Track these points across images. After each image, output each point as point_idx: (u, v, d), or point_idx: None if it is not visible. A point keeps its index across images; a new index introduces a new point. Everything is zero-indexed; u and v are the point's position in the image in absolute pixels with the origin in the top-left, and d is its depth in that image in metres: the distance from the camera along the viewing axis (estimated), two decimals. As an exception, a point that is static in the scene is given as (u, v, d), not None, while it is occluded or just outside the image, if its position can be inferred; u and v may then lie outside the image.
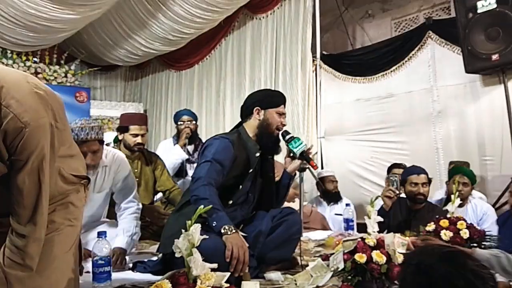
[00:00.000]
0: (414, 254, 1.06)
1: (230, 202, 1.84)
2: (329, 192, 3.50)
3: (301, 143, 1.96)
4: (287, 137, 1.96)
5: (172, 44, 4.98)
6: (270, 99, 1.99)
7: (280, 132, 1.96)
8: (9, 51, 4.55)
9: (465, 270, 0.83)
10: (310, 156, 1.97)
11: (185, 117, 3.33)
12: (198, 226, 1.07)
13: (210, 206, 1.23)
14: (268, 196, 2.00)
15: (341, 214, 3.07)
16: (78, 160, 1.26)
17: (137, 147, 2.70)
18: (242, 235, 1.63)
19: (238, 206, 1.90)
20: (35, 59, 4.97)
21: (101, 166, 2.08)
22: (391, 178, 2.90)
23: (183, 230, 1.10)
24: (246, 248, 1.56)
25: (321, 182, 3.48)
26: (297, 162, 1.99)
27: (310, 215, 3.06)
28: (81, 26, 4.49)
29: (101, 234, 1.52)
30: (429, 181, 2.65)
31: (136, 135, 2.67)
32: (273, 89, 2.15)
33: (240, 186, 1.87)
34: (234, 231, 1.56)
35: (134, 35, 4.84)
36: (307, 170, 2.06)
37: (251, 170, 1.89)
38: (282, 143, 2.01)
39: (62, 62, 5.20)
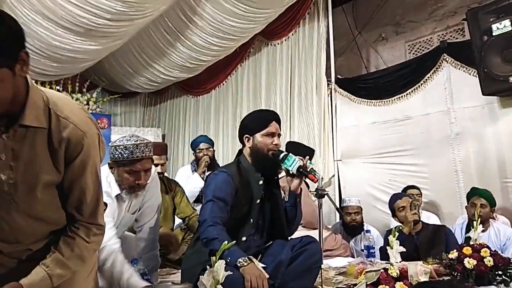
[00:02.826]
0: None
1: (244, 238, 1.84)
2: (347, 224, 3.36)
3: (294, 160, 1.91)
4: (280, 156, 1.91)
5: (190, 71, 5.11)
6: (255, 123, 1.97)
7: (272, 154, 1.91)
8: (33, 81, 4.75)
9: None
10: (308, 169, 1.91)
11: (202, 145, 3.39)
12: (222, 263, 1.09)
13: (227, 243, 1.25)
14: (278, 220, 1.98)
15: (363, 250, 2.93)
16: None
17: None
18: (261, 266, 1.64)
19: (251, 237, 1.91)
20: (58, 87, 5.15)
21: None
22: (415, 202, 2.86)
23: (208, 266, 1.12)
24: (264, 277, 1.57)
25: (343, 211, 3.36)
26: (297, 180, 1.96)
27: (335, 242, 3.02)
28: (102, 56, 4.66)
29: (134, 262, 1.57)
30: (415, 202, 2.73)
31: (156, 165, 2.73)
32: (263, 109, 2.11)
33: (251, 220, 1.87)
34: (249, 261, 1.58)
35: (154, 63, 4.99)
36: (326, 196, 2.06)
37: (258, 201, 1.89)
38: None
39: (84, 90, 5.39)
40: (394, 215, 2.77)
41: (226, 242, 1.24)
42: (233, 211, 1.83)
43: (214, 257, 1.11)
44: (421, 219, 2.80)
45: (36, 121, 1.05)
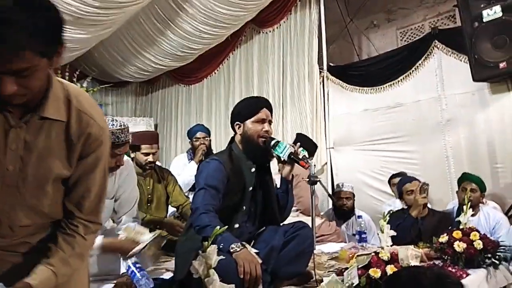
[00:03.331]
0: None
1: (236, 226, 1.85)
2: (339, 208, 3.47)
3: (286, 147, 1.91)
4: (272, 143, 1.92)
5: (181, 60, 5.07)
6: (245, 110, 1.96)
7: (263, 141, 1.91)
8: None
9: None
10: (300, 156, 1.91)
11: (199, 134, 3.38)
12: (214, 248, 1.10)
13: (219, 228, 1.25)
14: (271, 207, 1.99)
15: (354, 235, 3.00)
16: None
17: (148, 165, 2.74)
18: (254, 252, 1.65)
19: (244, 224, 1.91)
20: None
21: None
22: (424, 186, 2.85)
23: (200, 252, 1.13)
24: (257, 262, 1.59)
25: (335, 196, 3.46)
26: (288, 166, 1.96)
27: (329, 228, 3.06)
28: (92, 45, 4.60)
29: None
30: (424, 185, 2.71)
31: (147, 154, 2.71)
32: (253, 96, 2.09)
33: (244, 207, 1.87)
34: (242, 247, 1.60)
35: (144, 52, 4.94)
36: (318, 183, 2.07)
37: (250, 188, 1.89)
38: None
39: (74, 79, 5.31)
40: (401, 197, 2.76)
41: (218, 227, 1.25)
42: (225, 199, 1.83)
43: (206, 242, 1.11)
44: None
45: (57, 114, 1.02)
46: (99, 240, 1.78)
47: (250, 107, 1.97)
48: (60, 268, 1.06)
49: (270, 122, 1.97)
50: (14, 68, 0.87)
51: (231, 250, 1.56)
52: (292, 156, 1.89)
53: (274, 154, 1.92)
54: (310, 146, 3.20)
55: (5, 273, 1.08)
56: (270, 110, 1.99)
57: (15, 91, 0.90)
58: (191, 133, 3.46)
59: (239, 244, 1.60)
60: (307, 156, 2.73)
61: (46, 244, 1.11)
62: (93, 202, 1.13)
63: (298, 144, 1.99)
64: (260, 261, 1.60)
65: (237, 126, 1.96)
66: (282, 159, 1.91)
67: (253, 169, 1.94)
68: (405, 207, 2.72)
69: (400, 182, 2.87)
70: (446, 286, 0.88)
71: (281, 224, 2.01)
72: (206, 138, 3.38)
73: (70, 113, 1.04)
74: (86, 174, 1.10)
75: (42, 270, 1.04)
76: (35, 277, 1.02)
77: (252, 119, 1.92)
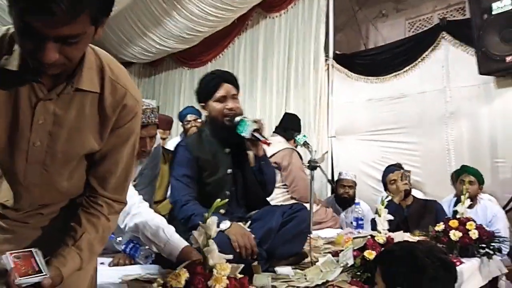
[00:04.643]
0: None
1: (222, 211, 1.78)
2: (340, 196, 3.49)
3: (247, 124, 1.77)
4: (234, 122, 1.79)
5: (186, 42, 5.04)
6: (204, 90, 1.85)
7: (228, 120, 1.79)
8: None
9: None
10: (262, 133, 1.79)
11: (189, 116, 3.38)
12: (215, 218, 1.11)
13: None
14: (253, 187, 1.89)
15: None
16: None
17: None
18: (247, 230, 1.66)
19: (229, 208, 1.82)
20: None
21: None
22: (405, 173, 2.90)
23: (200, 222, 1.14)
24: (249, 234, 1.60)
25: (337, 184, 3.48)
26: (254, 145, 1.82)
27: (326, 215, 3.09)
28: (97, 23, 4.58)
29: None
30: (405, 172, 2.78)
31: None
32: (213, 71, 2.00)
33: (226, 192, 1.80)
34: (230, 223, 1.60)
35: (149, 32, 4.92)
36: (318, 168, 2.08)
37: (229, 171, 1.82)
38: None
39: (78, 58, 5.31)
40: (386, 188, 2.82)
41: (205, 214, 1.21)
42: (203, 182, 1.78)
43: (207, 214, 1.12)
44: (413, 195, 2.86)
45: (91, 85, 0.94)
46: (178, 242, 1.51)
47: (208, 86, 1.84)
48: (86, 253, 1.00)
49: (234, 97, 1.83)
50: (65, 33, 0.77)
51: (222, 228, 1.55)
52: (254, 133, 1.77)
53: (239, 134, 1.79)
54: (296, 125, 3.22)
55: (19, 244, 1.01)
56: (233, 83, 1.85)
57: (57, 60, 0.81)
58: (181, 116, 3.46)
59: (227, 221, 1.60)
60: (308, 142, 2.74)
61: (62, 220, 1.05)
62: (119, 179, 1.05)
63: (261, 119, 1.86)
64: (253, 236, 1.62)
65: (203, 107, 1.86)
66: (247, 137, 1.78)
67: (227, 150, 1.84)
68: (390, 197, 2.75)
69: (384, 173, 2.90)
70: (438, 255, 0.90)
71: (268, 198, 1.99)
72: (198, 120, 3.37)
73: (104, 84, 0.96)
74: (116, 147, 1.03)
75: (72, 255, 0.97)
76: (64, 262, 0.95)
77: (213, 98, 1.80)
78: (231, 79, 1.86)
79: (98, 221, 1.03)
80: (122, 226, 1.59)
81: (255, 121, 1.78)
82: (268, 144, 1.80)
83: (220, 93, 1.80)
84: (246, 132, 1.76)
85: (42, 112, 0.92)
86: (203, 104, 1.86)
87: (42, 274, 0.88)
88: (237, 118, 1.78)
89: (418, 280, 1.02)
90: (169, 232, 1.53)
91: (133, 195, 1.60)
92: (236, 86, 1.87)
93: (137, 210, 1.58)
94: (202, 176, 1.81)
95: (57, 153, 0.97)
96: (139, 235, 1.58)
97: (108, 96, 0.97)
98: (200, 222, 1.11)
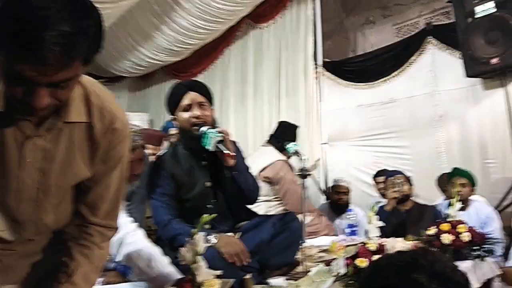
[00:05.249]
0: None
1: (207, 226, 1.73)
2: (334, 202, 3.50)
3: (210, 137, 1.69)
4: (199, 134, 1.72)
5: (177, 55, 5.07)
6: (170, 102, 1.79)
7: (196, 129, 1.72)
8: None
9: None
10: (227, 144, 1.71)
11: (172, 130, 3.38)
12: (201, 235, 1.12)
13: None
14: (233, 198, 1.84)
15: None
16: None
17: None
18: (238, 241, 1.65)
19: (214, 222, 1.69)
20: (43, 72, 5.07)
21: None
22: (395, 180, 2.93)
23: (187, 239, 1.14)
24: (237, 240, 1.60)
25: (332, 191, 3.49)
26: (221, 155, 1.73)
27: (320, 223, 3.08)
28: (87, 39, 4.60)
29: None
30: (408, 179, 2.78)
31: (151, 155, 2.70)
32: (178, 82, 1.95)
33: (207, 205, 1.75)
34: (217, 235, 1.59)
35: (139, 46, 4.94)
36: (309, 177, 2.08)
37: (209, 184, 1.77)
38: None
39: (69, 74, 5.31)
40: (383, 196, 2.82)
41: (192, 230, 1.20)
42: (182, 198, 1.75)
43: (195, 230, 1.12)
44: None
45: (79, 116, 0.93)
46: (170, 274, 1.44)
47: (173, 96, 1.79)
48: (83, 287, 0.98)
49: (201, 104, 1.75)
50: (59, 79, 0.76)
51: (210, 240, 1.53)
52: (217, 145, 1.68)
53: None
54: (290, 135, 3.19)
55: (9, 273, 1.02)
56: (200, 91, 1.78)
57: (49, 104, 0.79)
58: (164, 129, 3.47)
59: (213, 234, 1.59)
60: (299, 151, 2.73)
61: (49, 246, 1.03)
62: (111, 204, 1.04)
63: (224, 129, 1.76)
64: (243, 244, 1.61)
65: (174, 119, 1.82)
66: (212, 150, 1.70)
67: (203, 162, 1.79)
68: (382, 204, 2.77)
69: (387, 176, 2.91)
70: (442, 273, 0.79)
71: (254, 203, 1.95)
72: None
73: (91, 112, 0.95)
74: (106, 172, 1.01)
75: None
76: None
77: (179, 108, 1.74)
78: (198, 87, 1.80)
79: (91, 252, 1.01)
80: (115, 254, 1.55)
81: (220, 132, 1.71)
82: (232, 156, 1.71)
83: (185, 101, 1.74)
84: (209, 144, 1.69)
85: (31, 150, 0.90)
86: (174, 116, 1.80)
87: None
88: (201, 129, 1.71)
89: None
90: (162, 264, 1.49)
91: (126, 223, 1.58)
92: (204, 94, 1.79)
93: (132, 239, 1.55)
94: (180, 192, 1.78)
95: (50, 187, 0.95)
96: (132, 264, 1.55)
97: (97, 123, 0.96)
98: (186, 240, 1.11)
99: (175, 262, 1.43)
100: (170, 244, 1.65)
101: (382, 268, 0.82)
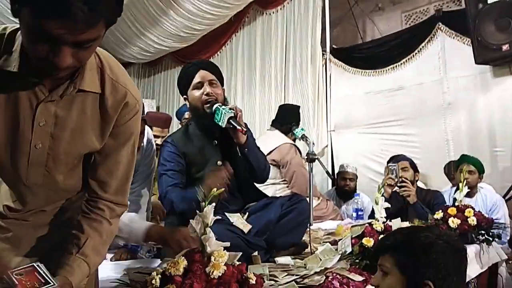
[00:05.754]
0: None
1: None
2: (341, 188, 3.52)
3: (223, 113, 1.69)
4: (211, 111, 1.73)
5: (184, 41, 5.06)
6: (182, 81, 1.82)
7: (208, 107, 1.73)
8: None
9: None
10: (240, 120, 1.71)
11: (187, 114, 3.39)
12: (211, 207, 1.13)
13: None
14: (243, 177, 1.85)
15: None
16: None
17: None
18: (247, 224, 1.66)
19: (223, 201, 1.76)
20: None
21: None
22: (390, 167, 2.91)
23: (197, 211, 1.15)
24: (221, 168, 1.64)
25: (338, 177, 3.50)
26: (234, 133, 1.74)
27: (327, 208, 3.10)
28: (95, 24, 4.60)
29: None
30: (412, 165, 2.75)
31: (156, 137, 2.70)
32: (189, 63, 1.97)
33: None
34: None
35: (147, 32, 4.93)
36: (316, 160, 2.09)
37: (220, 163, 1.78)
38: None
39: (77, 60, 5.32)
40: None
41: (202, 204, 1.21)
42: (193, 177, 1.77)
43: (204, 202, 1.13)
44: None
45: (92, 85, 0.93)
46: (140, 225, 1.52)
47: (185, 76, 1.81)
48: (93, 258, 0.99)
49: (211, 83, 1.77)
50: (84, 38, 0.76)
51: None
52: (231, 121, 1.69)
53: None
54: (293, 115, 3.19)
55: (20, 244, 1.04)
56: (210, 69, 1.81)
57: (70, 64, 0.79)
58: (179, 114, 3.47)
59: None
60: (306, 135, 2.74)
61: (61, 217, 1.05)
62: (121, 181, 1.04)
63: (236, 106, 1.75)
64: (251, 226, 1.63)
65: (185, 100, 1.84)
66: (224, 126, 1.71)
67: (215, 142, 1.81)
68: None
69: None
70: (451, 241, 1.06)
71: (265, 182, 1.97)
72: None
73: (104, 84, 0.95)
74: (116, 147, 1.02)
75: (78, 263, 0.96)
76: (71, 271, 0.94)
77: (191, 87, 1.77)
78: (208, 66, 1.84)
79: (101, 225, 1.02)
80: None
81: (231, 108, 1.71)
82: (244, 132, 1.71)
83: (196, 79, 1.76)
84: (222, 121, 1.70)
85: (43, 114, 0.91)
86: (185, 96, 1.83)
87: (50, 284, 0.86)
88: (214, 106, 1.73)
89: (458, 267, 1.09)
90: (129, 219, 1.49)
91: None
92: (215, 73, 1.82)
93: None
94: (191, 171, 1.79)
95: (60, 154, 0.96)
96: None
97: (109, 96, 0.96)
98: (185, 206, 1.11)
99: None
100: (177, 209, 1.66)
101: (396, 231, 1.10)
